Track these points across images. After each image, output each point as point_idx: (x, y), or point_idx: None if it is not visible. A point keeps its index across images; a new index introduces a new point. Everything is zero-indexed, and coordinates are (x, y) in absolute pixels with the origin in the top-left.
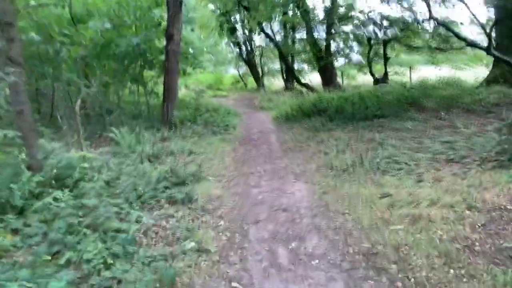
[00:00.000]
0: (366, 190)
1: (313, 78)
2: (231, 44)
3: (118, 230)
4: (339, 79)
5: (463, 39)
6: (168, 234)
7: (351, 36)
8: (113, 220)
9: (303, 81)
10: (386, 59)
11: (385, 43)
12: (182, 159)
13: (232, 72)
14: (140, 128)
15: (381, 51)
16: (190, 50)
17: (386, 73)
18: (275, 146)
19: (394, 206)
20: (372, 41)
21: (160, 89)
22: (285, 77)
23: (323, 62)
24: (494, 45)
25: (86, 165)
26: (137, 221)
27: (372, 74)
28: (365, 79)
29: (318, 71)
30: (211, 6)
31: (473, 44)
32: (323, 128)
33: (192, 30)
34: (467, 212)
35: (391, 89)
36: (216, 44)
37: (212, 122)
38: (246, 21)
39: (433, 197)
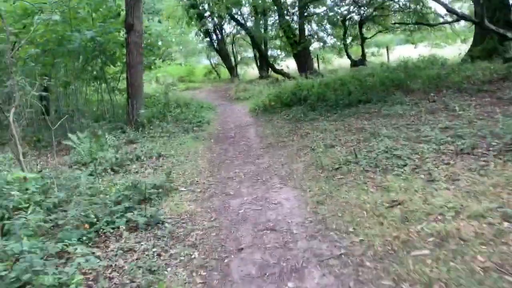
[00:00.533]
0: (369, 197)
1: (289, 64)
2: (201, 33)
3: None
4: (315, 64)
5: (454, 12)
6: (125, 281)
7: (325, 18)
8: (47, 271)
9: (278, 68)
10: (363, 39)
11: (361, 23)
12: (150, 165)
13: (205, 63)
14: (103, 131)
15: (357, 32)
16: (159, 43)
17: (363, 55)
18: (254, 143)
19: (410, 219)
20: (347, 22)
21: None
22: (259, 65)
23: (299, 47)
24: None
25: (25, 187)
26: (84, 265)
27: (349, 57)
28: (341, 62)
29: (294, 57)
30: None
31: (464, 18)
32: (305, 118)
33: (159, 21)
34: (506, 224)
35: (372, 71)
36: (185, 34)
37: (183, 118)
38: (214, 8)
39: (455, 204)
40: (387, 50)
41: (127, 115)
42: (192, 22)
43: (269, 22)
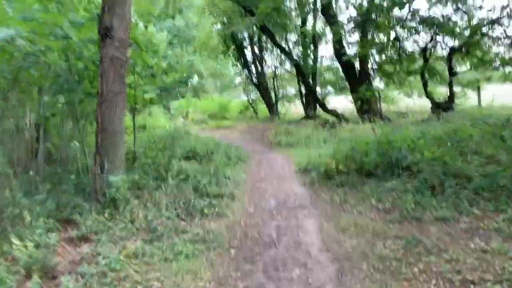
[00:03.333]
0: None
1: (337, 103)
2: (238, 65)
3: None
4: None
5: None
6: None
7: (397, 45)
8: None
9: (329, 107)
10: (452, 75)
11: (451, 54)
12: None
13: (242, 98)
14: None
15: (438, 66)
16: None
17: (452, 95)
18: (322, 274)
19: None
20: (427, 53)
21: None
22: (305, 103)
23: (360, 84)
24: None
25: None
26: None
27: (430, 97)
28: (408, 103)
29: (352, 95)
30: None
31: None
32: (423, 212)
33: (194, 52)
34: None
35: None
36: (221, 65)
37: (193, 186)
38: (255, 37)
39: None
40: (478, 90)
41: (93, 181)
42: (229, 52)
43: (320, 53)
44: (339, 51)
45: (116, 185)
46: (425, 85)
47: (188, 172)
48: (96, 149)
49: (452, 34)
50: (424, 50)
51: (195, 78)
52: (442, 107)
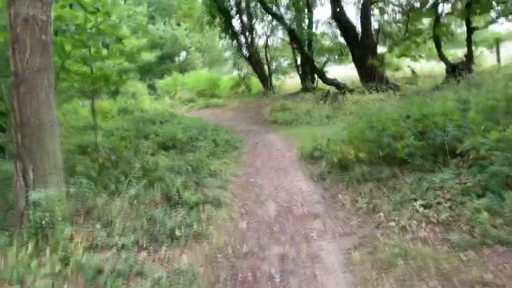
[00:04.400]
0: None
1: (336, 72)
2: (226, 36)
3: None
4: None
5: None
6: None
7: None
8: None
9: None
10: (470, 31)
11: (469, 6)
12: None
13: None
14: None
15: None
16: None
17: (470, 55)
18: None
19: None
20: (439, 6)
21: None
22: (301, 74)
23: (363, 49)
24: None
25: None
26: None
27: (444, 59)
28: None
29: (354, 62)
30: None
31: None
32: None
33: (178, 24)
34: None
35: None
36: (208, 38)
37: (163, 192)
38: (243, 3)
39: None
40: (497, 46)
41: (15, 199)
42: (215, 22)
43: (315, 17)
44: (337, 12)
45: (44, 203)
46: (438, 45)
47: (160, 169)
48: (16, 152)
49: None
50: (435, 5)
51: (182, 54)
52: (459, 69)
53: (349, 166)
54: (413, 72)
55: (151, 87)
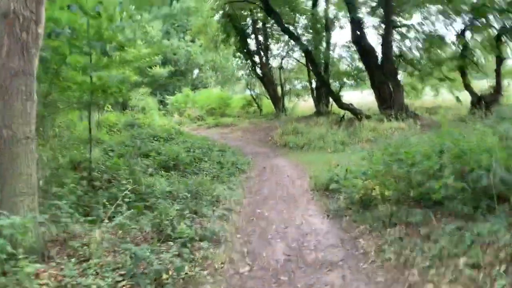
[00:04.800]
0: None
1: (351, 98)
2: (240, 56)
3: None
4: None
5: None
6: None
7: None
8: None
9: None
10: (499, 62)
11: (500, 36)
12: None
13: (245, 93)
14: None
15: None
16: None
17: (498, 87)
18: None
19: None
20: (467, 35)
21: None
22: (316, 97)
23: (383, 75)
24: None
25: None
26: None
27: (470, 89)
28: (433, 99)
29: (373, 87)
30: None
31: None
32: None
33: (193, 41)
34: None
35: None
36: (222, 57)
37: (154, 223)
38: (259, 23)
39: None
40: None
41: None
42: (230, 41)
43: (333, 39)
44: (357, 35)
45: (7, 232)
46: (463, 74)
47: (156, 193)
48: None
49: (502, 12)
50: (462, 33)
51: (195, 71)
52: (486, 100)
53: (371, 205)
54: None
55: (162, 103)
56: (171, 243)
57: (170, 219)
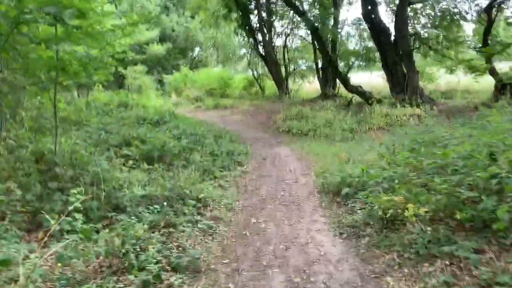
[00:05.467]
0: None
1: (360, 80)
2: (242, 32)
3: None
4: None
5: None
6: None
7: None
8: None
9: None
10: None
11: None
12: None
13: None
14: None
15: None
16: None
17: None
18: None
19: None
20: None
21: None
22: (322, 78)
23: (396, 55)
24: None
25: None
26: None
27: (494, 73)
28: (450, 80)
29: (384, 69)
30: None
31: None
32: None
33: (192, 17)
34: None
35: None
36: (223, 34)
37: (108, 248)
38: None
39: None
40: None
41: None
42: (232, 16)
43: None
44: (369, 11)
45: None
46: (488, 57)
47: (127, 198)
48: None
49: None
50: (488, 9)
51: (195, 49)
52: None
53: (401, 224)
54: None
55: (160, 82)
56: (131, 277)
57: (134, 242)
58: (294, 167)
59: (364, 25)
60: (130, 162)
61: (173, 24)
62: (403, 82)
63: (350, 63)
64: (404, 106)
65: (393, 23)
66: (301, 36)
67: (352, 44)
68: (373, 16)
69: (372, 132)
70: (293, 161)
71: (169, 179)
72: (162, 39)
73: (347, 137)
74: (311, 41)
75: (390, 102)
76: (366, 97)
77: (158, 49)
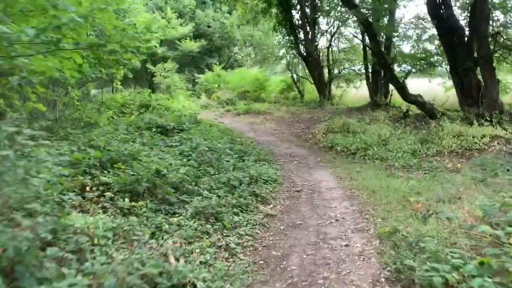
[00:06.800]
0: None
1: (417, 88)
2: (282, 29)
3: None
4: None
5: None
6: None
7: None
8: None
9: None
10: None
11: None
12: None
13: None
14: None
15: None
16: None
17: None
18: None
19: None
20: None
21: None
22: (372, 84)
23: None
24: None
25: None
26: None
27: None
28: None
29: (453, 77)
30: None
31: None
32: None
33: (230, 13)
34: None
35: None
36: (262, 32)
37: None
38: None
39: None
40: None
41: None
42: (271, 12)
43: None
44: (438, 5)
45: None
46: None
47: None
48: None
49: None
50: None
51: (230, 47)
52: None
53: None
54: None
55: (192, 81)
56: None
57: None
58: (341, 212)
59: (424, 24)
60: (108, 195)
61: (208, 20)
62: (477, 93)
63: (412, 66)
64: (482, 125)
65: (465, 21)
66: (351, 33)
67: (408, 47)
68: (442, 10)
69: (447, 159)
70: (340, 200)
71: (148, 237)
72: (196, 35)
73: (409, 164)
74: (360, 40)
75: (460, 117)
76: (427, 109)
77: (191, 45)
